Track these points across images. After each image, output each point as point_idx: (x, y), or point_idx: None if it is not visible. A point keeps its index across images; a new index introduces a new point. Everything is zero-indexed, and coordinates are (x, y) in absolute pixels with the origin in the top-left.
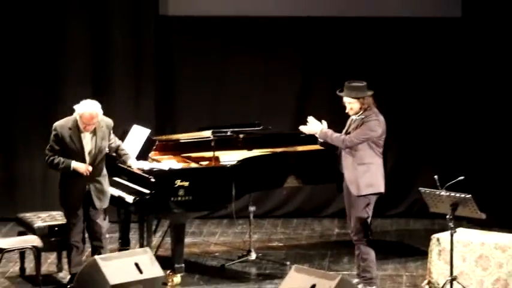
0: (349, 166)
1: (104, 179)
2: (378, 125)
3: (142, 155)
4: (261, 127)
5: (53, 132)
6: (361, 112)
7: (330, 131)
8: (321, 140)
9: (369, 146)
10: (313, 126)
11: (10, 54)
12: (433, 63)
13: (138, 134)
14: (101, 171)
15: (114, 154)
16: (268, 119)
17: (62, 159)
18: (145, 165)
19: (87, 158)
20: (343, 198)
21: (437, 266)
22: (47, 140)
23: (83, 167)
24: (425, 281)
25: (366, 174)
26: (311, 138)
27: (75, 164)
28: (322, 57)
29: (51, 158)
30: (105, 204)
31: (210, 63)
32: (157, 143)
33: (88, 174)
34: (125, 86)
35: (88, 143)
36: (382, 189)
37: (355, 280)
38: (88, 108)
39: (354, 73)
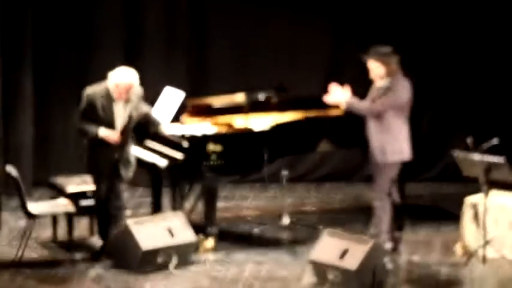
0: (376, 133)
1: (130, 149)
2: (404, 90)
3: (175, 118)
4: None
5: (85, 98)
6: (385, 78)
7: (355, 101)
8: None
9: (394, 113)
10: (338, 96)
11: (46, 18)
12: (467, 25)
13: (172, 96)
14: (129, 141)
15: (142, 121)
16: (301, 82)
17: (91, 126)
18: (178, 129)
19: (118, 128)
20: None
21: (470, 230)
22: (79, 102)
23: (112, 136)
24: (458, 245)
25: (392, 141)
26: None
27: (104, 132)
28: (353, 19)
29: (81, 124)
30: (131, 174)
31: (243, 25)
32: (189, 106)
33: (117, 142)
34: (157, 48)
35: (120, 112)
36: (407, 156)
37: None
38: (126, 78)
39: (385, 37)
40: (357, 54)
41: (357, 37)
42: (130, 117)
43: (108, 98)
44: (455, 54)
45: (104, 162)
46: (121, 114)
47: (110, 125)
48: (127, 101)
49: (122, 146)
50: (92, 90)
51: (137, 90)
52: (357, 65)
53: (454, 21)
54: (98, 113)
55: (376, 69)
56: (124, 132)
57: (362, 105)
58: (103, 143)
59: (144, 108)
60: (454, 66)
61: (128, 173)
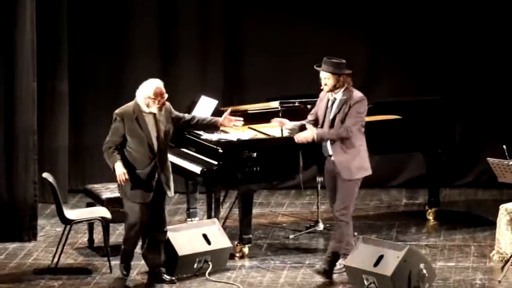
0: (339, 150)
1: (169, 166)
2: (365, 104)
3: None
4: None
5: (115, 121)
6: (338, 91)
7: (324, 130)
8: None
9: (358, 130)
10: (306, 133)
11: (81, 24)
12: (502, 32)
13: (206, 105)
14: (167, 157)
15: (190, 130)
16: None
17: (112, 156)
18: (214, 136)
19: (155, 143)
20: (327, 179)
21: (505, 236)
22: (114, 109)
23: (120, 171)
24: (494, 251)
25: (356, 158)
26: (379, 108)
27: (118, 170)
28: (389, 29)
29: (106, 150)
30: (173, 192)
31: (278, 32)
32: (225, 114)
33: (122, 182)
34: (193, 56)
35: (153, 127)
36: (370, 171)
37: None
38: (157, 82)
39: (418, 47)
40: (394, 60)
41: (393, 48)
42: (165, 132)
43: (141, 114)
44: (489, 60)
45: (147, 184)
46: (155, 129)
47: (146, 141)
48: (155, 117)
49: (163, 164)
50: (122, 110)
51: (167, 105)
52: (393, 75)
53: (486, 29)
54: (133, 131)
55: (326, 80)
56: (162, 148)
57: (332, 132)
58: (142, 162)
59: (186, 115)
60: (489, 72)
61: (172, 191)
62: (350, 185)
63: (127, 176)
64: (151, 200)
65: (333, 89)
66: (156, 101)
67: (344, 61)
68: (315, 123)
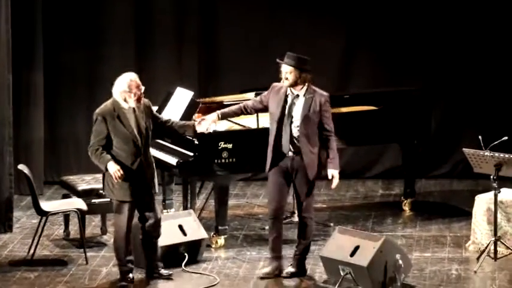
0: (307, 149)
1: (153, 162)
2: None
3: (186, 117)
4: None
5: (97, 121)
6: (299, 87)
7: (331, 158)
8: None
9: (317, 129)
10: (332, 172)
11: (56, 16)
12: (478, 22)
13: (182, 96)
14: (150, 153)
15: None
16: (314, 80)
17: (101, 157)
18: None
19: (138, 139)
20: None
21: (481, 226)
22: (91, 102)
23: (114, 169)
24: (470, 242)
25: (318, 157)
26: (355, 99)
27: (111, 168)
28: (366, 20)
29: (92, 152)
30: (157, 189)
31: (254, 23)
32: (200, 105)
33: (118, 179)
34: (168, 47)
35: (135, 123)
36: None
37: (290, 267)
38: (131, 75)
39: (395, 37)
40: (371, 51)
41: (370, 40)
42: (147, 128)
43: (121, 111)
44: (465, 51)
45: (138, 181)
46: (135, 125)
47: (131, 137)
48: (134, 111)
49: (148, 160)
50: (102, 109)
51: (145, 100)
52: (369, 66)
53: (464, 19)
54: (115, 128)
55: (287, 74)
56: (145, 144)
57: (335, 145)
58: (128, 160)
59: (163, 117)
60: (465, 64)
61: (156, 187)
62: (313, 184)
63: (122, 172)
64: (141, 198)
65: (294, 84)
66: (132, 94)
67: (308, 58)
68: (255, 111)
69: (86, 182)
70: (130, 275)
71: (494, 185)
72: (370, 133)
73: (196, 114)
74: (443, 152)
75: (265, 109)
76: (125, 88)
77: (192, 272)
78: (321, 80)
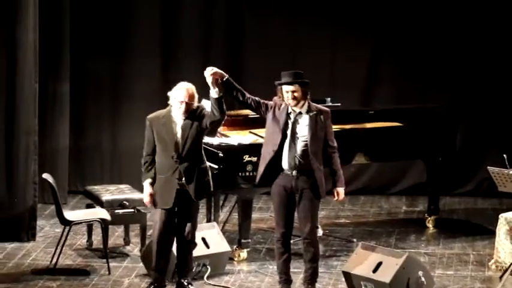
0: (316, 168)
1: (203, 170)
2: None
3: (211, 130)
4: (330, 103)
5: (146, 126)
6: (301, 104)
7: (338, 175)
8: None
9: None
10: (342, 191)
11: (83, 26)
12: (504, 39)
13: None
14: (197, 161)
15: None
16: (337, 94)
17: (146, 173)
18: (214, 140)
19: (180, 147)
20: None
21: (504, 245)
22: (116, 112)
23: (144, 193)
24: (493, 260)
25: (323, 176)
26: (380, 115)
27: (145, 185)
28: (392, 31)
29: (143, 165)
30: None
31: (280, 34)
32: (226, 117)
33: (146, 204)
34: (194, 58)
35: (180, 131)
36: None
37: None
38: (182, 85)
39: (424, 52)
40: (397, 65)
41: (395, 54)
42: (194, 138)
43: (168, 118)
44: (492, 68)
45: (167, 191)
46: (180, 134)
47: (168, 144)
48: (187, 112)
49: (189, 170)
50: (152, 114)
51: (201, 106)
52: (395, 82)
53: (490, 36)
54: (157, 134)
55: (295, 93)
56: (188, 155)
57: (339, 166)
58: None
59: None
60: (491, 81)
61: (201, 192)
62: (318, 203)
63: (150, 199)
64: (177, 207)
65: (300, 102)
66: (178, 103)
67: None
68: (250, 103)
69: (110, 192)
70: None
71: None
72: (395, 149)
73: (221, 127)
74: (467, 170)
75: (258, 113)
76: (172, 96)
77: (214, 285)
78: (346, 95)
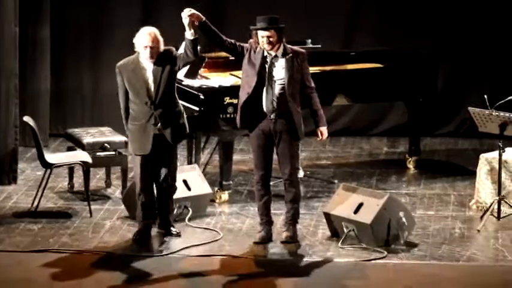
0: (294, 110)
1: (178, 113)
2: None
3: (192, 73)
4: (311, 45)
5: (116, 72)
6: (278, 47)
7: (320, 115)
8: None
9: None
10: (325, 130)
11: None
12: None
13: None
14: (171, 105)
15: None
16: (318, 36)
17: (126, 118)
18: (195, 82)
19: (153, 94)
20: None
21: (485, 185)
22: (96, 56)
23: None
24: (473, 200)
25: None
26: (361, 57)
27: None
28: None
29: (123, 112)
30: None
31: None
32: (206, 60)
33: None
34: (174, 4)
35: (151, 77)
36: None
37: (284, 232)
38: (144, 30)
39: None
40: (375, 15)
41: None
42: (167, 82)
43: (137, 65)
44: (473, 11)
45: (144, 137)
46: (153, 78)
47: (140, 91)
48: (152, 57)
49: (164, 115)
50: (120, 62)
51: (170, 50)
52: (376, 24)
53: None
54: (128, 82)
55: (271, 38)
56: (163, 100)
57: (319, 106)
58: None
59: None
60: (472, 23)
61: (178, 135)
62: (297, 145)
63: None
64: (155, 152)
65: (275, 46)
66: (143, 50)
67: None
68: (226, 46)
69: (91, 135)
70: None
71: (499, 144)
72: (376, 90)
73: (202, 69)
74: (448, 111)
75: (234, 56)
76: (136, 43)
77: (196, 227)
78: (327, 36)
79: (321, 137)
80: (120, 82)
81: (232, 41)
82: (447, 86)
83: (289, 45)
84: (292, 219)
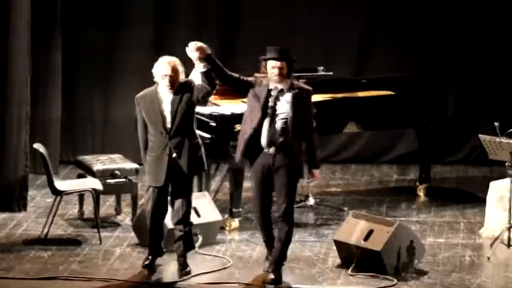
0: (297, 146)
1: (192, 140)
2: None
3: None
4: (323, 72)
5: (135, 104)
6: (286, 81)
7: (316, 156)
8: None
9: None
10: (317, 173)
11: None
12: (496, 8)
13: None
14: (188, 137)
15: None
16: (330, 64)
17: (143, 147)
18: (206, 109)
19: (168, 125)
20: (259, 174)
21: (495, 213)
22: (108, 83)
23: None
24: (483, 228)
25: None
26: (372, 84)
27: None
28: (384, 3)
29: (141, 139)
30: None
31: (275, 2)
32: (217, 86)
33: None
34: (188, 24)
35: (168, 108)
36: None
37: (266, 265)
38: (163, 60)
39: (416, 22)
40: (390, 36)
41: (388, 25)
42: (184, 113)
43: (154, 95)
44: (483, 38)
45: (158, 168)
46: (169, 110)
47: (156, 122)
48: (172, 88)
49: (179, 146)
50: (140, 93)
51: (189, 81)
52: (387, 51)
53: (484, 5)
54: (145, 113)
55: (282, 69)
56: (179, 131)
57: (317, 147)
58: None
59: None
60: (482, 50)
61: (194, 167)
62: (297, 181)
63: None
64: (170, 184)
65: (284, 78)
66: (161, 80)
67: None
68: (231, 81)
69: (101, 162)
70: (150, 259)
71: (510, 171)
72: (387, 118)
73: (212, 96)
74: (459, 138)
75: (240, 90)
76: (155, 72)
77: (206, 254)
78: (338, 65)
79: (313, 179)
80: (138, 114)
81: (237, 75)
82: (458, 113)
83: (297, 82)
84: (279, 261)
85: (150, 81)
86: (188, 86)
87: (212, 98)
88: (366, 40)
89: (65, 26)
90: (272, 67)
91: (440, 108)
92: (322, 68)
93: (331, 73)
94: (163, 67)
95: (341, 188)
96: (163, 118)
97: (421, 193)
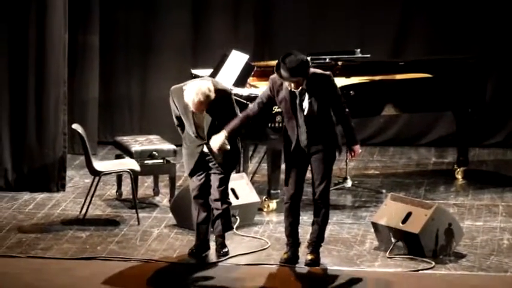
0: (328, 132)
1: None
2: None
3: (241, 81)
4: (360, 55)
5: (170, 97)
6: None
7: (352, 133)
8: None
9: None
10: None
11: None
12: None
13: (237, 59)
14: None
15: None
16: (367, 46)
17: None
18: (244, 91)
19: (205, 135)
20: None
21: None
22: (145, 63)
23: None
24: None
25: (336, 135)
26: (410, 67)
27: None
28: None
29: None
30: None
31: None
32: (255, 68)
33: None
34: (225, 10)
35: (203, 121)
36: None
37: (308, 255)
38: (189, 92)
39: (452, 3)
40: (428, 18)
41: (426, 5)
42: (218, 124)
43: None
44: None
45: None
46: (204, 123)
47: (193, 129)
48: (202, 111)
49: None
50: (175, 86)
51: (223, 92)
52: (425, 33)
53: None
54: (181, 110)
55: (300, 83)
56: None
57: (351, 124)
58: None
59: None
60: None
61: (227, 165)
62: (332, 164)
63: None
64: (204, 172)
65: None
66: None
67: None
68: (259, 112)
69: (139, 143)
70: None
71: None
72: (424, 100)
73: (251, 78)
74: (497, 121)
75: (272, 103)
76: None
77: (244, 235)
78: (376, 46)
79: (353, 155)
80: (172, 105)
81: (259, 101)
82: (496, 95)
83: (313, 70)
84: (317, 242)
85: (186, 62)
86: (223, 95)
87: (250, 80)
88: (404, 22)
89: (103, 6)
90: (288, 83)
91: (479, 91)
92: (359, 50)
93: (369, 55)
94: (189, 104)
95: (379, 170)
96: (196, 125)
97: (459, 176)
